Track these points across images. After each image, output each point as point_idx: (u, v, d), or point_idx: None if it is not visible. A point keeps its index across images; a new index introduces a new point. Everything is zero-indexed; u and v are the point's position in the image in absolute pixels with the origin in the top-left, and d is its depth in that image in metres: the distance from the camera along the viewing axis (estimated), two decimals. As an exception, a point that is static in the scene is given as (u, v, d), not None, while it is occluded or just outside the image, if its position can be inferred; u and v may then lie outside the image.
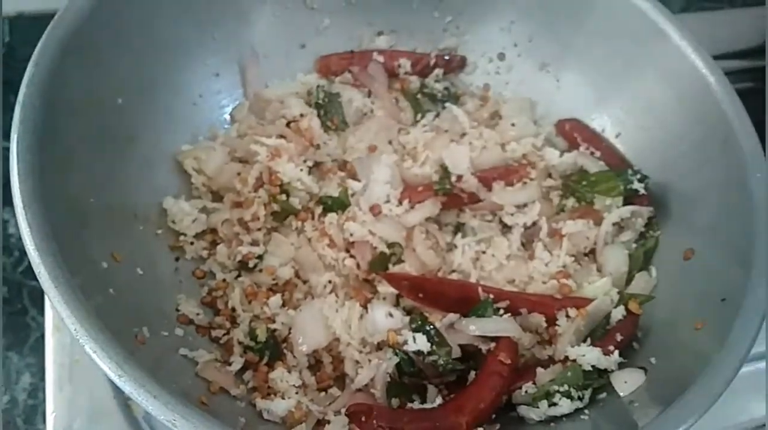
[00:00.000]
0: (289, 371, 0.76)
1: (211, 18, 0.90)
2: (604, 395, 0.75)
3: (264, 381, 0.75)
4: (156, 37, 0.85)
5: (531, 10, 0.99)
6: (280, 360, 0.77)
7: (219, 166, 0.88)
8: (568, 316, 0.79)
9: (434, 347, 0.74)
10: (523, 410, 0.75)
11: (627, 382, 0.74)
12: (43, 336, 0.93)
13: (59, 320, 0.83)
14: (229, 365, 0.75)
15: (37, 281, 0.96)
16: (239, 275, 0.84)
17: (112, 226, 0.75)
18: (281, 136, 0.91)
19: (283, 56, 0.98)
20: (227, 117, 0.96)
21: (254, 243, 0.84)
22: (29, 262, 0.98)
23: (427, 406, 0.74)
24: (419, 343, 0.74)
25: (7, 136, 0.65)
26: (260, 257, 0.84)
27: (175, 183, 0.88)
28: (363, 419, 0.69)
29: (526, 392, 0.75)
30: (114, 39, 0.79)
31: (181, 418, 0.55)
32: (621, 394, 0.74)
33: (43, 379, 0.92)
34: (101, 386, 0.81)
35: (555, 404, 0.73)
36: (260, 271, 0.83)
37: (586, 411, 0.74)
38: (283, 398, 0.72)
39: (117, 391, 0.81)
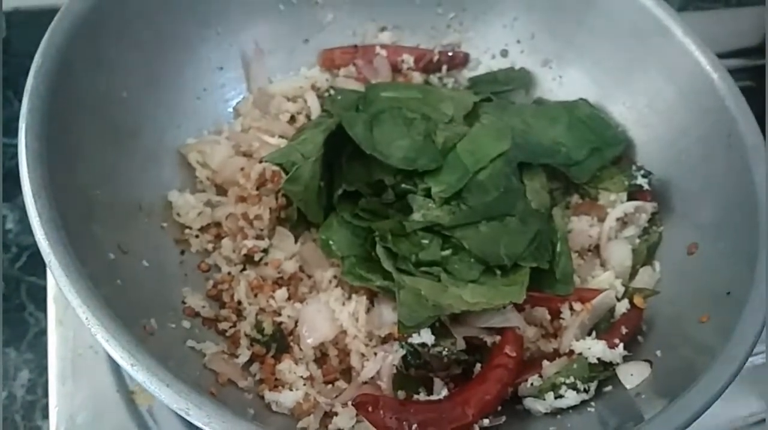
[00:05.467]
0: (296, 364, 0.76)
1: (215, 12, 0.90)
2: (610, 387, 0.75)
3: (271, 373, 0.75)
4: (161, 30, 0.85)
5: (534, 7, 0.99)
6: (287, 353, 0.77)
7: (223, 160, 0.88)
8: (572, 309, 0.80)
9: (439, 338, 0.74)
10: (529, 402, 0.75)
11: (633, 375, 0.74)
12: (41, 332, 0.93)
13: (62, 313, 0.84)
14: (237, 357, 0.75)
15: (36, 276, 0.98)
16: (244, 269, 0.84)
17: (118, 218, 0.74)
18: (282, 137, 0.91)
19: (286, 51, 0.98)
20: (231, 111, 0.96)
21: (259, 237, 0.84)
22: (27, 257, 1.00)
23: (434, 398, 0.74)
24: (424, 336, 0.74)
25: (4, 132, 0.65)
26: (265, 251, 0.83)
27: (180, 176, 0.87)
28: (370, 409, 0.69)
29: (531, 384, 0.76)
30: (119, 31, 0.79)
31: (195, 407, 0.55)
32: (627, 386, 0.74)
33: (41, 375, 0.91)
34: (104, 380, 0.81)
35: (561, 396, 0.74)
36: (266, 264, 0.83)
37: (593, 403, 0.74)
38: (291, 390, 0.72)
39: (120, 384, 0.81)
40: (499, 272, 0.79)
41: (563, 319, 0.80)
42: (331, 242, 0.80)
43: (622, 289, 0.84)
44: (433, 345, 0.74)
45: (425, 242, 0.80)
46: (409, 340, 0.74)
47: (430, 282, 0.77)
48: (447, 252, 0.79)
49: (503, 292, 0.77)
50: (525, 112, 0.93)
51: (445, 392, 0.75)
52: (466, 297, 0.76)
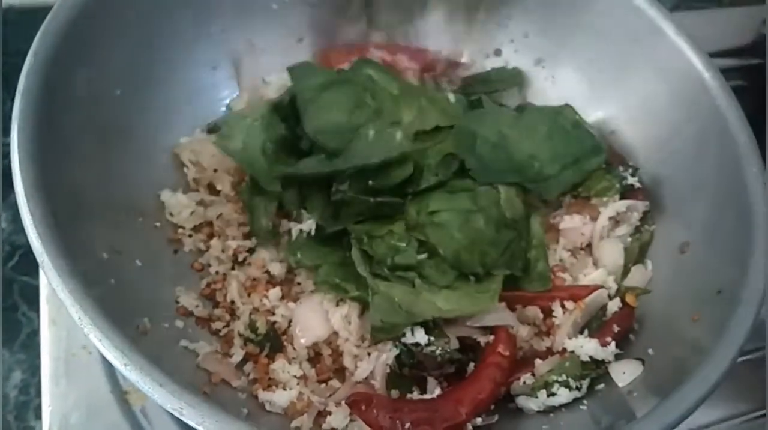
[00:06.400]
0: (290, 363, 0.76)
1: (209, 11, 0.90)
2: (602, 385, 0.76)
3: (265, 373, 0.75)
4: (154, 28, 0.84)
5: (527, 7, 0.99)
6: (281, 352, 0.77)
7: (216, 160, 0.88)
8: (564, 308, 0.80)
9: (432, 338, 0.75)
10: (521, 400, 0.76)
11: (625, 372, 0.75)
12: (34, 332, 0.93)
13: (55, 313, 0.83)
14: (230, 356, 0.75)
15: (29, 276, 0.98)
16: (233, 268, 0.83)
17: (110, 217, 0.74)
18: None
19: (280, 51, 0.98)
20: (224, 110, 0.95)
21: (246, 237, 0.84)
22: (20, 257, 1.00)
23: (427, 397, 0.75)
24: (417, 336, 0.74)
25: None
26: (251, 251, 0.84)
27: (173, 175, 0.87)
28: (363, 408, 0.70)
29: (524, 382, 0.76)
30: (112, 30, 0.79)
31: (188, 407, 0.55)
32: (619, 384, 0.75)
33: (34, 375, 0.91)
34: (98, 380, 0.81)
35: (554, 394, 0.74)
36: (249, 265, 0.83)
37: (585, 401, 0.75)
38: (285, 390, 0.72)
39: (114, 384, 0.81)
40: (472, 278, 0.79)
41: (555, 317, 0.80)
42: (299, 255, 0.80)
43: (614, 287, 0.84)
44: (427, 345, 0.74)
45: (402, 244, 0.79)
46: (403, 339, 0.74)
47: (404, 288, 0.76)
48: (423, 256, 0.79)
49: (476, 299, 0.77)
50: (504, 121, 0.91)
51: (438, 391, 0.75)
52: (439, 304, 0.76)
